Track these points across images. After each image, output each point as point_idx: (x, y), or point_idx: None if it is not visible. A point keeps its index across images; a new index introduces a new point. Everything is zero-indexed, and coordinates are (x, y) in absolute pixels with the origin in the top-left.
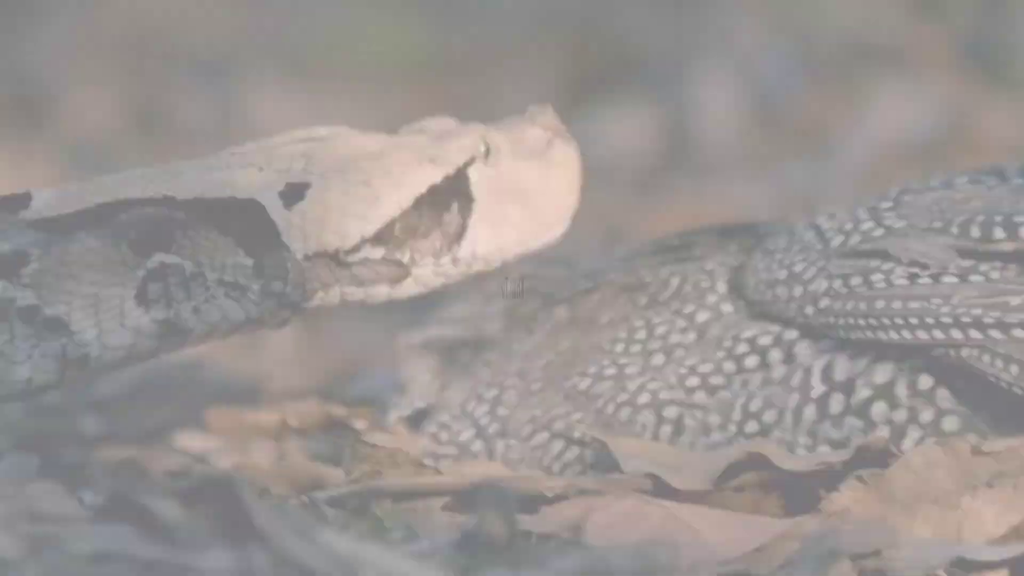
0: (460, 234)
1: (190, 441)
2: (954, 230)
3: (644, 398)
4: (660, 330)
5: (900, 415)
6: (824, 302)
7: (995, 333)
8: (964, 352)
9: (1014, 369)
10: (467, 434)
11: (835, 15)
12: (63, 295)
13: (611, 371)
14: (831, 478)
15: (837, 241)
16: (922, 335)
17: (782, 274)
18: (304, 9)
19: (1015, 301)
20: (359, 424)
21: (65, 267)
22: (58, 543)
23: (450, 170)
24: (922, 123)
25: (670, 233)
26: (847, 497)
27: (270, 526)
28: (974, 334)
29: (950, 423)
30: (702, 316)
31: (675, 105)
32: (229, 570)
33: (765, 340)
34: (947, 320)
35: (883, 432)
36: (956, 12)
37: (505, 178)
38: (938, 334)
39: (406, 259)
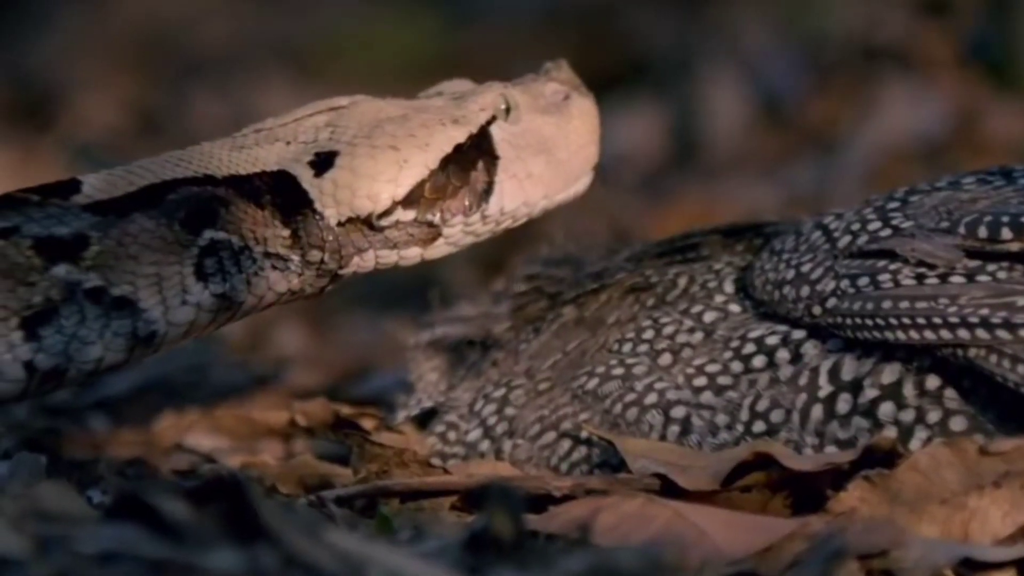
0: (487, 191)
1: (198, 440)
2: (961, 230)
3: (651, 398)
4: (667, 330)
5: (907, 415)
6: (831, 302)
7: (1002, 333)
8: (971, 352)
9: (1021, 369)
10: (475, 434)
11: (841, 17)
12: (127, 275)
13: (618, 371)
14: (838, 478)
15: (844, 241)
16: (929, 335)
17: (789, 274)
18: (311, 10)
19: (1022, 301)
20: (367, 424)
21: (124, 248)
22: (66, 542)
23: (474, 129)
24: (928, 124)
25: (677, 234)
26: (854, 497)
27: (278, 525)
28: (981, 334)
29: (957, 423)
30: (709, 316)
31: (682, 106)
32: (237, 569)
33: (772, 340)
34: (954, 320)
35: (890, 432)
36: (962, 13)
37: (527, 134)
38: (945, 334)
39: (436, 219)
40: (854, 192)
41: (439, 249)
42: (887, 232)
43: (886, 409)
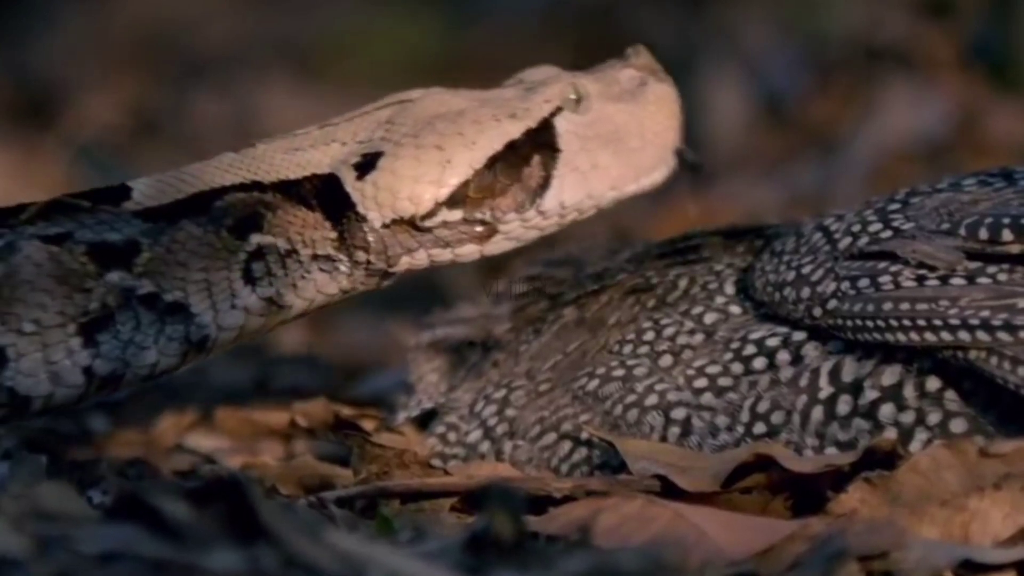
0: (543, 186)
1: (198, 441)
2: (962, 232)
3: (652, 399)
4: (668, 331)
5: (908, 417)
6: (832, 304)
7: (1003, 335)
8: (972, 354)
9: (1022, 371)
10: (475, 435)
11: (843, 16)
12: (177, 281)
13: (619, 372)
14: (838, 479)
15: (845, 243)
16: (930, 337)
17: (790, 276)
18: (313, 9)
19: (1023, 303)
20: (367, 424)
21: (174, 254)
22: (67, 542)
23: (532, 123)
24: (930, 124)
25: (678, 235)
26: (854, 498)
27: (278, 526)
28: (982, 336)
29: (958, 425)
30: (710, 317)
31: (683, 106)
32: (237, 570)
33: (773, 342)
34: (955, 322)
35: (891, 434)
36: (964, 14)
37: (596, 124)
38: (946, 336)
39: (488, 217)
40: (855, 193)
41: (499, 245)
42: (888, 234)
43: (886, 411)
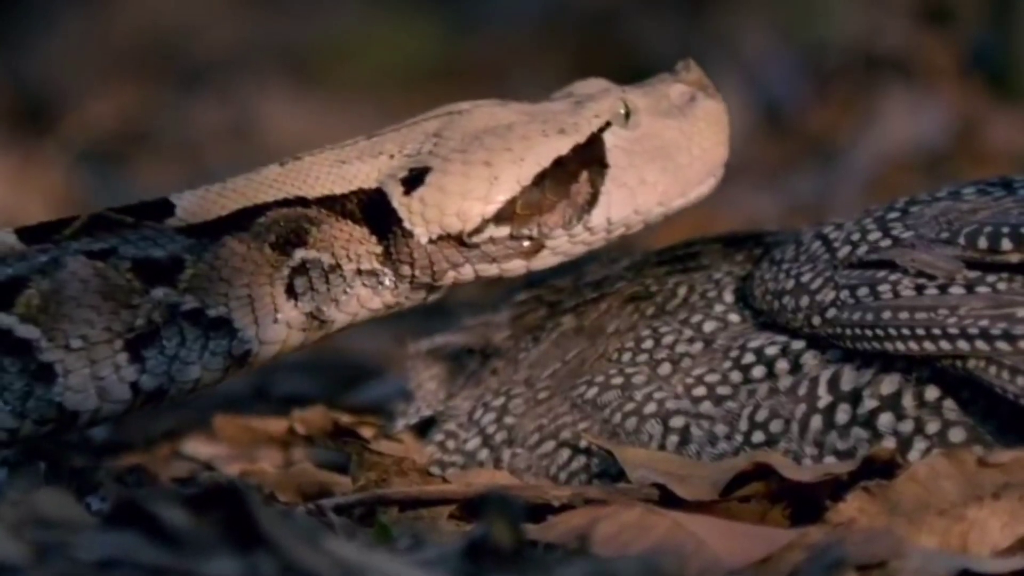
0: (591, 202)
1: (197, 448)
2: (961, 241)
3: (651, 408)
4: (667, 340)
5: (906, 426)
6: (831, 312)
7: (1002, 344)
8: (970, 363)
9: (1020, 380)
10: (474, 442)
11: (842, 25)
12: (220, 296)
13: (618, 380)
14: (837, 488)
15: (844, 251)
16: (929, 346)
17: (789, 284)
18: (312, 16)
19: (1022, 312)
20: (366, 432)
21: (217, 271)
22: (65, 549)
23: (581, 138)
24: (929, 133)
25: (677, 243)
26: (853, 507)
27: (277, 533)
28: (981, 345)
29: (956, 434)
30: (709, 326)
31: None
32: None
33: (772, 350)
34: (954, 331)
35: (889, 443)
36: (963, 23)
37: (645, 139)
38: (945, 345)
39: (535, 233)
40: (854, 201)
41: (546, 260)
42: (887, 242)
43: (885, 420)
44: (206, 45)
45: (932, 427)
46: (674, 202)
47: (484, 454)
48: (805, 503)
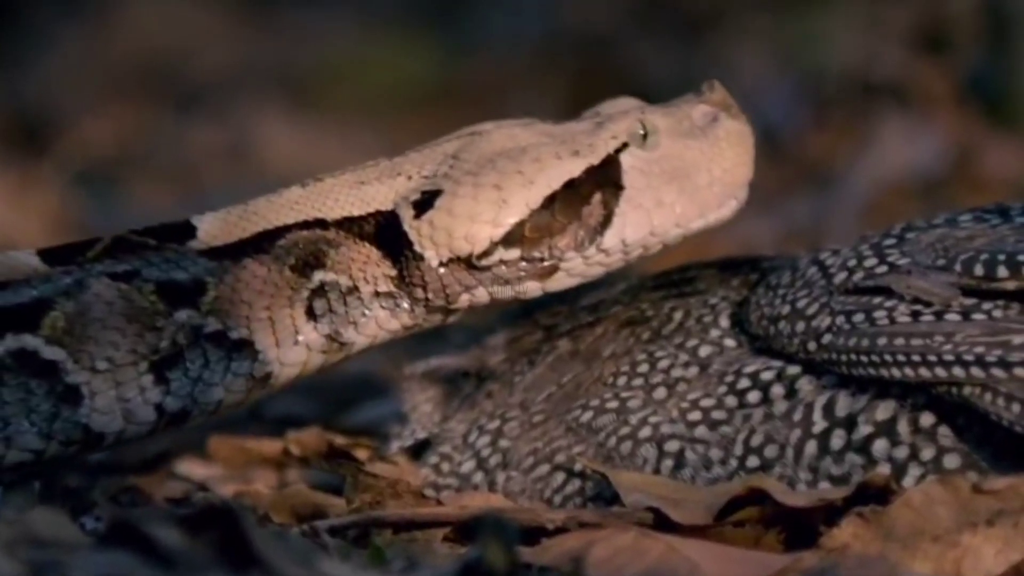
0: (604, 224)
1: (192, 468)
2: (957, 268)
3: (646, 432)
4: (662, 364)
5: (901, 452)
6: (827, 338)
7: (997, 372)
8: (966, 390)
9: (1016, 408)
10: (468, 465)
11: (839, 51)
12: (242, 319)
13: (613, 404)
14: (831, 514)
15: (840, 277)
16: (924, 372)
17: (785, 309)
18: (309, 38)
19: (1018, 340)
20: (361, 454)
21: (238, 293)
22: (60, 569)
23: (595, 160)
24: (926, 160)
25: (673, 267)
26: (847, 533)
27: (271, 554)
28: (976, 372)
29: (951, 460)
30: (704, 350)
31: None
32: None
33: (767, 375)
34: (949, 358)
35: (884, 469)
36: (960, 49)
37: (664, 160)
38: (940, 372)
39: (547, 255)
40: (851, 227)
41: (561, 281)
42: (883, 269)
43: (880, 446)
44: (203, 67)
45: (927, 453)
46: (693, 224)
47: (479, 477)
48: (799, 528)
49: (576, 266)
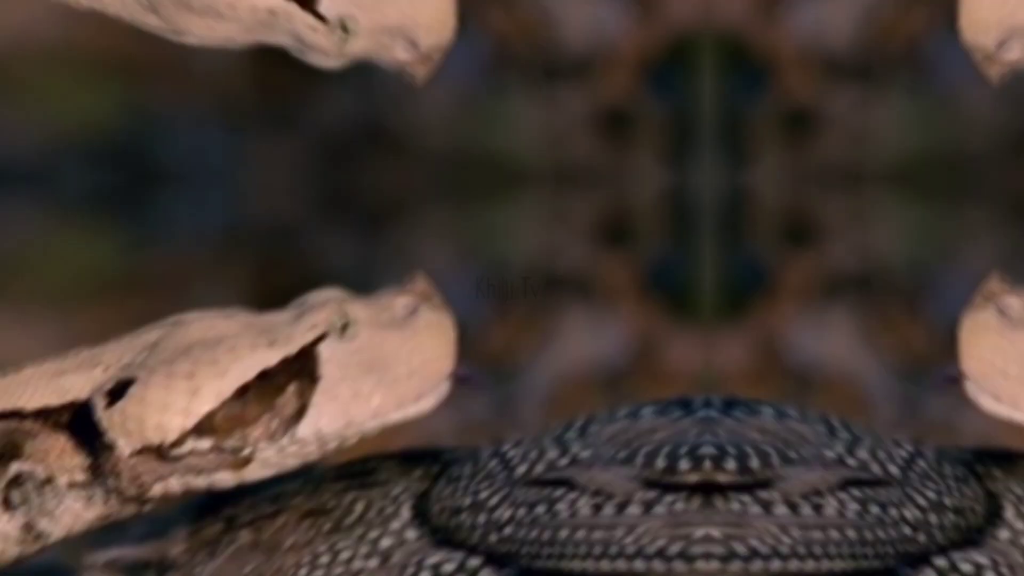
0: (299, 415)
1: None
2: (639, 460)
3: None
4: (343, 555)
5: None
6: (508, 530)
7: (678, 564)
8: None
9: None
10: None
11: (523, 244)
12: None
13: None
14: None
15: (522, 469)
16: (605, 565)
17: (467, 501)
18: None
19: (699, 533)
20: None
21: None
22: None
23: (291, 350)
24: (609, 352)
25: (355, 458)
26: None
27: None
28: (657, 565)
29: None
30: (386, 542)
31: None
32: None
33: (449, 567)
34: (631, 550)
35: None
36: (642, 242)
37: (362, 351)
38: (621, 565)
39: (240, 445)
40: (534, 419)
41: (256, 472)
42: (565, 461)
43: None
44: None
45: None
46: (391, 414)
47: None
48: None
49: (271, 457)
